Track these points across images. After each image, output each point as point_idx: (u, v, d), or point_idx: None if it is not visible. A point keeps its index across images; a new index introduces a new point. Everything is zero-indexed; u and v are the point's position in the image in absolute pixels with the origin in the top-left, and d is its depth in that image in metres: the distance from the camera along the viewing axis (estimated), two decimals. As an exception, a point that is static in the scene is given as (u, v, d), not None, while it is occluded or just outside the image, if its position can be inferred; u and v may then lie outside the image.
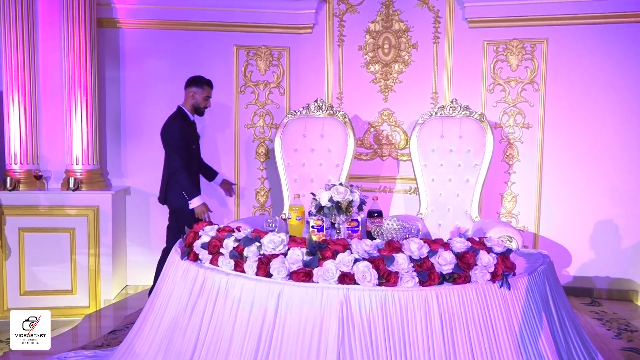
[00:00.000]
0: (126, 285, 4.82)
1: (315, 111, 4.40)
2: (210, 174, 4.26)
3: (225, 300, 2.33)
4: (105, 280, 4.47)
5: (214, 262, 2.51)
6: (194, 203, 3.76)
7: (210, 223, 2.77)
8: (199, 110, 3.95)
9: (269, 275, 2.32)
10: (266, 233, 2.47)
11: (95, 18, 4.55)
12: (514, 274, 2.35)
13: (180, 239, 2.93)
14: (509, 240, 3.59)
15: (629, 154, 4.38)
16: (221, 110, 4.83)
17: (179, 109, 3.94)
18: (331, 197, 2.66)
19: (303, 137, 4.39)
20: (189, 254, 2.62)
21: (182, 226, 4.00)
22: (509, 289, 2.28)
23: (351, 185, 2.76)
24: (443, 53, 4.63)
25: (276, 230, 2.90)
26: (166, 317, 2.54)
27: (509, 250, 2.34)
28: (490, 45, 4.56)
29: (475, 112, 4.29)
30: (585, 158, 4.46)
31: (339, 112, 4.41)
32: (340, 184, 2.72)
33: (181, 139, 3.78)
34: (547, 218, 4.57)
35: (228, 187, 4.35)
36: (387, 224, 2.66)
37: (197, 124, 4.10)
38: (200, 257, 2.59)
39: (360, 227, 2.85)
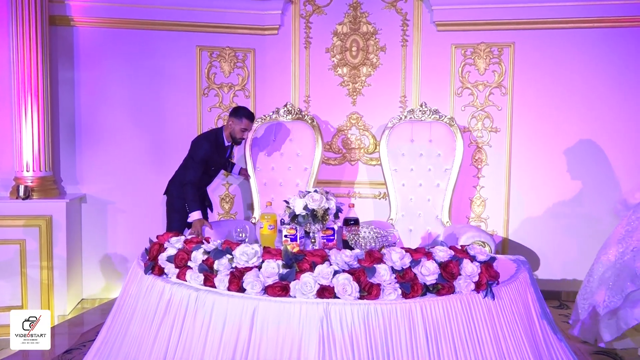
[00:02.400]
0: (82, 299, 4.54)
1: (285, 115, 4.37)
2: (231, 167, 4.28)
3: (195, 318, 2.16)
4: (59, 295, 4.20)
5: (181, 276, 2.33)
6: (193, 217, 3.69)
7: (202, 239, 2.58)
8: (235, 140, 3.89)
9: (242, 290, 2.17)
10: (238, 244, 2.31)
11: (47, 15, 4.28)
12: (498, 283, 2.27)
13: (143, 251, 2.74)
14: (482, 245, 3.55)
15: (595, 155, 4.42)
16: (183, 114, 4.63)
17: (219, 130, 3.91)
18: (306, 205, 2.52)
19: (273, 141, 4.36)
20: (154, 268, 2.43)
21: (169, 224, 3.93)
22: (494, 299, 2.21)
23: (327, 192, 2.63)
24: (411, 56, 4.58)
25: (246, 240, 2.75)
26: (129, 336, 2.34)
27: (493, 259, 2.27)
28: (458, 48, 4.53)
29: (445, 116, 4.26)
30: (552, 161, 4.48)
31: (307, 115, 4.38)
32: (315, 191, 2.59)
33: (202, 159, 3.74)
34: (516, 222, 4.57)
35: (245, 173, 4.32)
36: (364, 232, 2.54)
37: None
38: (166, 271, 2.40)
39: (335, 235, 2.72)
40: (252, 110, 4.69)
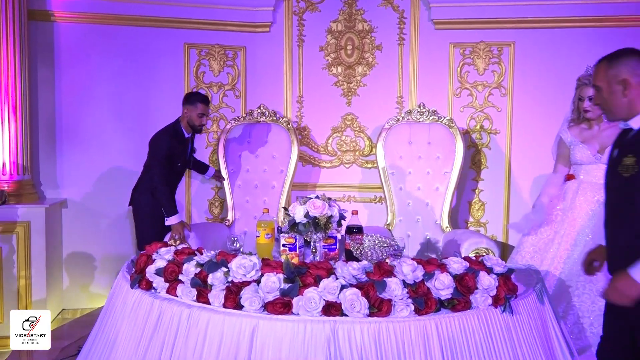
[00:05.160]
0: (63, 310, 4.31)
1: (259, 117, 4.28)
2: (203, 169, 4.18)
3: (187, 338, 1.96)
4: (38, 305, 3.94)
5: (171, 291, 2.13)
6: (172, 221, 3.55)
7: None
8: (195, 128, 3.75)
9: (240, 306, 1.98)
10: (234, 256, 2.11)
11: (26, 10, 4.04)
12: (516, 297, 2.11)
13: (129, 262, 2.53)
14: (486, 252, 3.40)
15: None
16: (170, 115, 4.39)
17: (175, 123, 3.74)
18: (307, 212, 2.34)
19: (247, 143, 4.29)
20: (141, 282, 2.23)
21: (139, 235, 3.72)
22: (512, 315, 2.04)
23: (329, 199, 2.45)
24: (408, 55, 4.42)
25: (241, 249, 2.56)
26: (113, 358, 2.13)
27: (511, 270, 2.11)
28: (456, 48, 4.39)
29: (444, 117, 4.12)
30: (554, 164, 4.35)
31: (283, 118, 4.29)
32: (317, 197, 2.40)
33: (165, 155, 3.59)
34: (516, 226, 4.43)
35: (218, 175, 4.22)
36: (369, 240, 2.36)
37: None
38: (154, 285, 2.20)
39: (337, 244, 2.54)
40: (242, 111, 4.51)
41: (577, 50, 4.24)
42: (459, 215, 4.43)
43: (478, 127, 4.41)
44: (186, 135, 3.77)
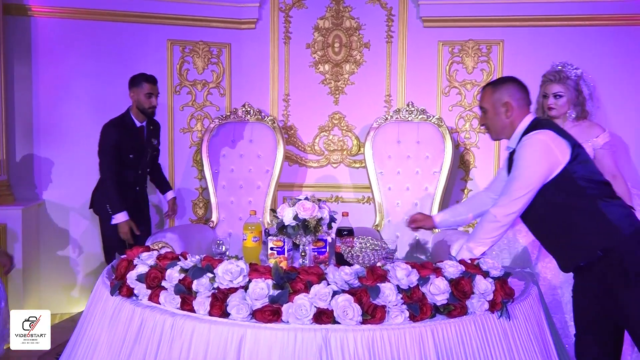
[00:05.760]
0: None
1: (244, 116, 4.18)
2: (163, 188, 3.92)
3: (171, 348, 1.86)
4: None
5: (154, 298, 2.02)
6: (118, 219, 3.37)
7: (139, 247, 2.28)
8: (145, 112, 3.52)
9: (226, 314, 1.88)
10: (219, 261, 2.01)
11: (1, 4, 3.90)
12: (513, 301, 2.04)
13: (109, 267, 2.42)
14: (477, 253, 3.33)
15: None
16: (153, 113, 4.30)
17: (125, 112, 3.55)
18: (296, 215, 2.25)
19: (232, 142, 4.19)
20: (121, 289, 2.11)
21: (105, 241, 3.55)
22: (509, 319, 1.98)
23: (319, 200, 2.36)
24: (397, 53, 4.35)
25: (227, 253, 2.46)
26: (93, 369, 2.02)
27: (507, 274, 2.04)
28: (445, 46, 4.33)
29: (433, 116, 4.07)
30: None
31: (269, 117, 4.19)
32: (307, 198, 2.31)
33: (114, 145, 3.40)
34: (505, 227, 4.39)
35: (172, 207, 3.92)
36: (360, 243, 2.28)
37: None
38: (136, 292, 2.09)
39: (327, 247, 2.46)
40: (227, 110, 4.40)
41: (566, 49, 4.20)
42: (448, 216, 4.37)
43: (467, 126, 4.37)
44: (137, 124, 3.53)
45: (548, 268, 3.04)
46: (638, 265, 2.07)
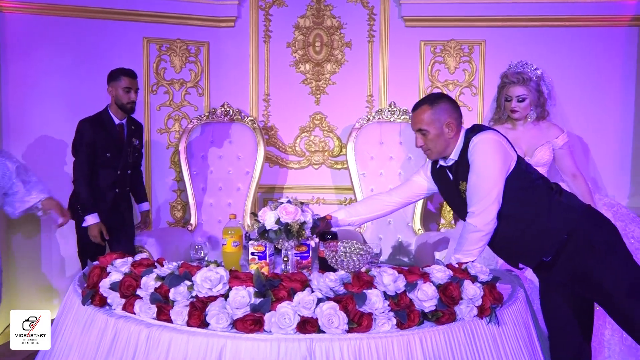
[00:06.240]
0: (9, 325, 3.99)
1: (223, 116, 4.10)
2: (138, 197, 3.73)
3: (147, 360, 1.76)
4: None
5: (128, 308, 1.92)
6: (88, 221, 3.25)
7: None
8: (124, 108, 3.38)
9: (205, 324, 1.79)
10: (198, 267, 1.92)
11: (-33, -2, 3.73)
12: (501, 306, 2.00)
13: (80, 275, 2.30)
14: (461, 256, 3.29)
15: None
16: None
17: (103, 109, 3.42)
18: (279, 219, 2.16)
19: (211, 143, 4.10)
20: (94, 298, 2.01)
21: (80, 245, 3.43)
22: (498, 325, 1.93)
23: (302, 203, 2.28)
24: (378, 53, 4.30)
25: (206, 258, 2.36)
26: (63, 383, 1.91)
27: (496, 279, 1.99)
28: (427, 45, 4.29)
29: (416, 117, 4.01)
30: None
31: (248, 117, 4.12)
32: (289, 202, 2.23)
33: (88, 143, 3.27)
34: (487, 228, 4.36)
35: (144, 219, 3.77)
36: (344, 247, 2.21)
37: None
38: (109, 301, 1.98)
39: (310, 252, 2.38)
40: (206, 110, 4.30)
41: (547, 49, 4.20)
42: (431, 217, 4.33)
43: (449, 126, 4.33)
44: (116, 122, 3.40)
45: None
46: (599, 235, 2.17)
